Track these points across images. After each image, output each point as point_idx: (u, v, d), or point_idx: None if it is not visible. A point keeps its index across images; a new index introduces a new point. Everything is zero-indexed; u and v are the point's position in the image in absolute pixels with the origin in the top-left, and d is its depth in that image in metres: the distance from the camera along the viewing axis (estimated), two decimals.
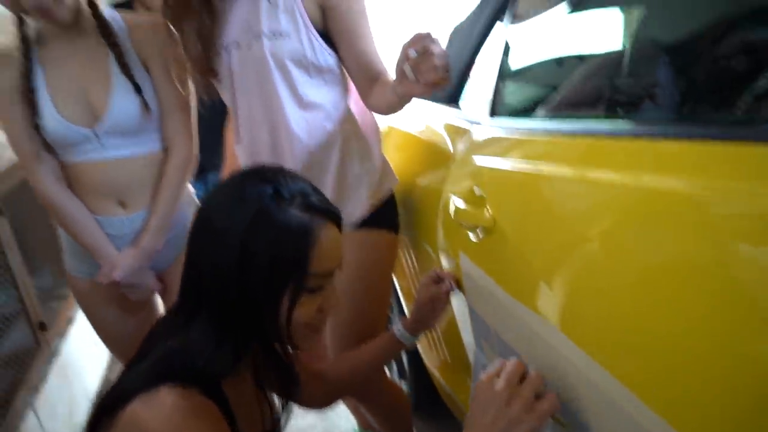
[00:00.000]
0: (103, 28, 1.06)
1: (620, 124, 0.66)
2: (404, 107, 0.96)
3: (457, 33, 1.35)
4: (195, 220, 0.69)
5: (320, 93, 1.03)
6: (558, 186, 0.67)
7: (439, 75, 0.76)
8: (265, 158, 1.07)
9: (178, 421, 0.59)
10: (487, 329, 0.84)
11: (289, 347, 0.75)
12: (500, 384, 0.62)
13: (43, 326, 1.75)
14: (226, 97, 1.09)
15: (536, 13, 1.01)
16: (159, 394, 0.60)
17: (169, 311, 0.76)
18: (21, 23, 1.04)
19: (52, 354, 1.77)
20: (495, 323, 0.80)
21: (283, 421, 0.85)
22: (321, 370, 0.95)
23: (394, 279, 1.48)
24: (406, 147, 1.36)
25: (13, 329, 1.62)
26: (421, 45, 0.75)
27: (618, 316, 0.52)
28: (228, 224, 0.64)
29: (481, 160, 0.90)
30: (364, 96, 1.05)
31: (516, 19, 1.03)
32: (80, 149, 1.09)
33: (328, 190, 1.07)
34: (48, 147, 1.08)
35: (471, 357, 0.99)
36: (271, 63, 0.98)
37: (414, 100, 0.94)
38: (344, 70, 1.06)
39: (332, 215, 0.70)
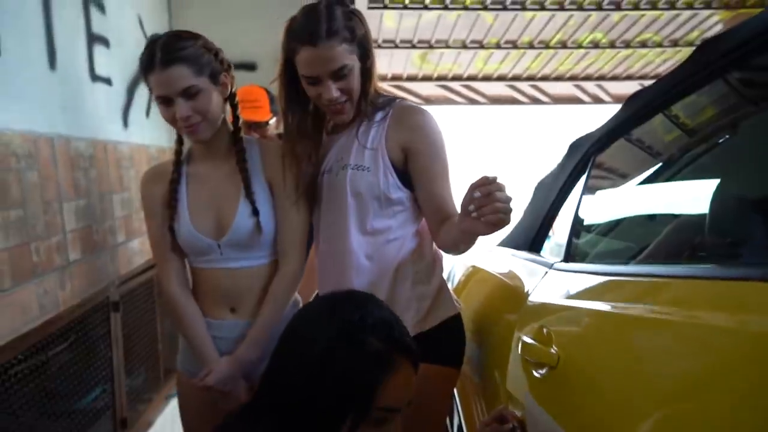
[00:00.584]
0: (239, 153, 1.24)
1: (680, 268, 0.67)
2: (470, 247, 1.03)
3: (541, 185, 1.44)
4: (286, 328, 0.75)
5: (385, 221, 1.15)
6: (622, 326, 0.67)
7: (499, 217, 0.83)
8: (334, 282, 1.17)
9: None
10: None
11: None
12: None
13: (124, 423, 1.84)
14: (314, 215, 1.24)
15: (608, 180, 1.08)
16: None
17: (243, 407, 0.80)
18: (180, 142, 1.28)
19: None
20: None
21: None
22: None
23: (462, 420, 1.42)
24: (485, 285, 1.39)
25: (98, 423, 1.72)
26: (486, 188, 0.83)
27: None
28: (311, 337, 0.70)
29: (551, 300, 0.92)
30: (434, 233, 1.15)
31: (591, 180, 1.11)
32: (204, 258, 1.25)
33: None
34: (179, 250, 1.26)
35: None
36: (348, 190, 1.13)
37: (499, 247, 1.01)
38: (414, 206, 1.18)
39: (411, 352, 0.72)
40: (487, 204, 0.83)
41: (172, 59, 1.11)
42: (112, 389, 1.79)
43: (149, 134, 2.26)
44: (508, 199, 0.84)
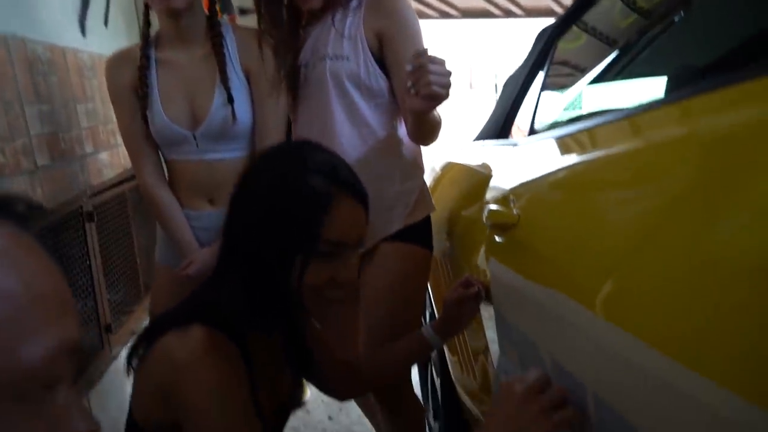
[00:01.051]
0: (215, 37, 1.19)
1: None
2: (432, 134, 1.05)
3: (510, 79, 1.46)
4: (236, 183, 0.76)
5: (370, 114, 1.14)
6: (575, 175, 0.72)
7: (433, 89, 0.83)
8: None
9: (201, 353, 0.65)
10: (513, 332, 0.86)
11: (309, 316, 0.79)
12: (520, 386, 0.62)
13: (109, 328, 1.90)
14: (291, 116, 1.23)
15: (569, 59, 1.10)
16: (190, 329, 0.67)
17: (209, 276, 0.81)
18: (147, 24, 1.22)
19: (113, 357, 1.89)
20: (520, 321, 0.82)
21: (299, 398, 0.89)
22: (351, 362, 0.99)
23: (434, 305, 1.51)
24: (457, 176, 1.44)
25: (85, 330, 1.77)
26: (418, 61, 0.84)
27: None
28: (256, 185, 0.73)
29: (514, 171, 0.96)
30: (407, 124, 1.15)
31: (551, 65, 1.13)
32: (179, 149, 1.23)
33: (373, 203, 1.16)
34: (152, 141, 1.24)
35: (495, 364, 0.99)
36: (330, 81, 1.11)
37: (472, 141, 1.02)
38: (393, 98, 1.16)
39: (354, 189, 0.75)
40: (420, 77, 0.83)
41: None
42: (93, 298, 1.83)
43: (108, 44, 2.16)
44: (445, 72, 0.84)
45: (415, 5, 4.11)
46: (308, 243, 0.70)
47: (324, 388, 0.98)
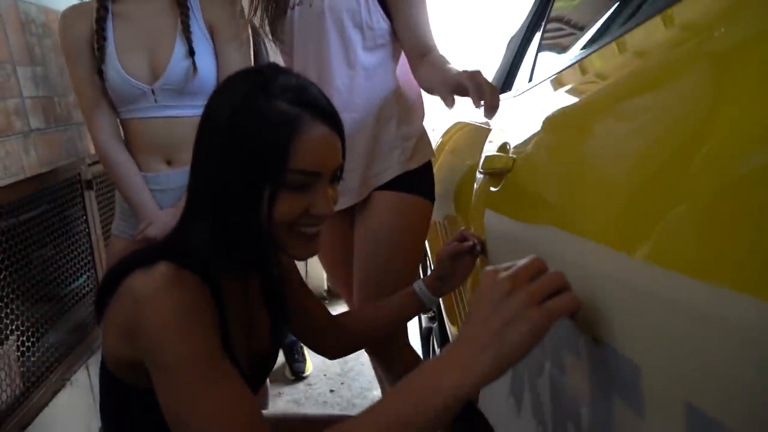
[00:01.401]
0: None
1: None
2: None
3: (512, 38, 1.40)
4: (201, 117, 0.69)
5: (368, 55, 1.09)
6: (568, 113, 0.67)
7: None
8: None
9: (162, 284, 0.59)
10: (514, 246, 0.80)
11: (282, 252, 0.72)
12: (504, 274, 0.50)
13: None
14: (284, 59, 1.18)
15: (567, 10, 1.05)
16: (155, 266, 0.62)
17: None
18: None
19: None
20: None
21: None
22: (341, 319, 0.96)
23: (429, 260, 1.48)
24: (462, 134, 1.40)
25: (85, 302, 1.76)
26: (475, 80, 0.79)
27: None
28: (217, 112, 0.65)
29: (512, 118, 0.91)
30: (414, 70, 1.09)
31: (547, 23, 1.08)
32: (136, 106, 1.17)
33: (362, 150, 1.11)
34: (109, 99, 1.18)
35: None
36: (328, 17, 1.05)
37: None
38: (395, 42, 1.11)
39: (327, 115, 0.67)
40: (484, 96, 0.78)
41: None
42: (94, 268, 1.82)
43: None
44: (495, 89, 0.79)
45: None
46: (276, 172, 0.63)
47: (312, 345, 0.95)
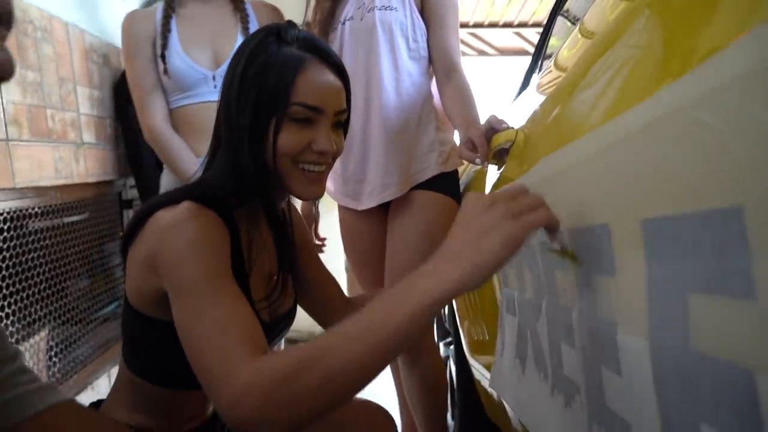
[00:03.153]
0: (237, 1, 1.34)
1: None
2: None
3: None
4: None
5: (411, 63, 1.20)
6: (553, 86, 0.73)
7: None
8: (358, 111, 1.21)
9: (184, 217, 0.65)
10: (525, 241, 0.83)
11: (286, 187, 0.76)
12: (488, 194, 0.53)
13: None
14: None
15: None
16: (179, 204, 0.68)
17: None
18: None
19: None
20: None
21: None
22: (356, 300, 0.97)
23: None
24: None
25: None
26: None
27: None
28: (237, 57, 0.74)
29: (524, 108, 0.98)
30: (439, 86, 1.21)
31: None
32: (195, 91, 1.30)
33: (405, 148, 1.20)
34: (162, 89, 1.30)
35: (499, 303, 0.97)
36: (380, 29, 1.17)
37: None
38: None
39: (330, 59, 0.74)
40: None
41: None
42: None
43: None
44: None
45: None
46: (280, 103, 0.70)
47: (323, 322, 0.96)
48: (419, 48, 1.21)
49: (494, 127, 0.94)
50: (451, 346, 1.74)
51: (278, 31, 0.73)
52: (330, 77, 0.74)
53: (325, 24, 1.23)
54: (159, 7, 1.34)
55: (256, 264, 0.78)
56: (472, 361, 1.26)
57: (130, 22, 1.35)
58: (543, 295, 0.66)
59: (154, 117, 1.30)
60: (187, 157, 1.28)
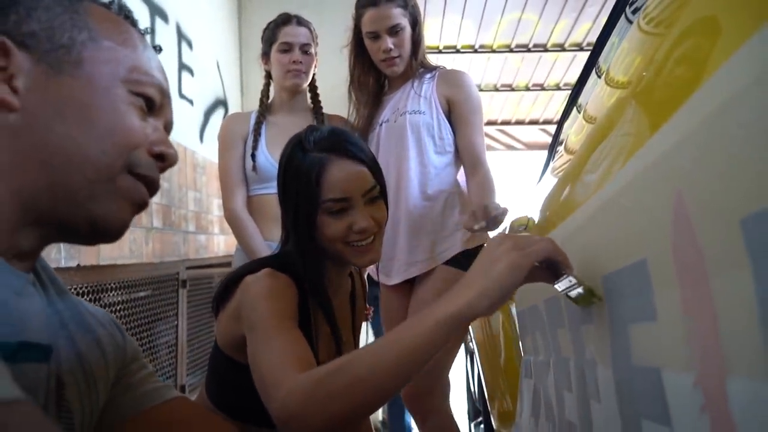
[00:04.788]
0: (317, 110, 1.61)
1: None
2: None
3: None
4: None
5: (437, 158, 1.41)
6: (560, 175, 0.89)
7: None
8: (391, 199, 1.35)
9: (263, 276, 0.82)
10: (535, 310, 0.89)
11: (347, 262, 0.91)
12: (503, 234, 0.66)
13: (183, 389, 2.07)
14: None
15: None
16: (261, 271, 0.85)
17: None
18: (267, 96, 1.62)
19: None
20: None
21: None
22: None
23: (475, 348, 1.58)
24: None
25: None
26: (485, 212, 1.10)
27: None
28: (278, 171, 0.92)
29: (532, 199, 1.14)
30: (466, 177, 1.40)
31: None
32: (272, 183, 1.48)
33: (430, 228, 1.37)
34: (245, 181, 1.55)
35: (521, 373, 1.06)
36: (409, 129, 1.40)
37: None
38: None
39: (346, 151, 0.87)
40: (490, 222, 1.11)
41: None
42: (175, 356, 2.04)
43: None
44: (502, 211, 1.09)
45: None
46: (313, 203, 0.85)
47: None
48: (445, 144, 1.41)
49: (487, 205, 1.08)
50: (482, 425, 1.78)
51: (300, 141, 0.89)
52: (349, 167, 0.87)
53: (365, 128, 1.47)
54: (254, 113, 1.62)
55: (323, 331, 0.92)
56: None
57: (229, 122, 1.63)
58: (551, 354, 0.77)
59: (235, 202, 1.53)
60: (258, 239, 1.50)
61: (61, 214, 0.47)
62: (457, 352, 1.50)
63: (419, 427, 1.40)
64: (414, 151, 1.40)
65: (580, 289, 0.56)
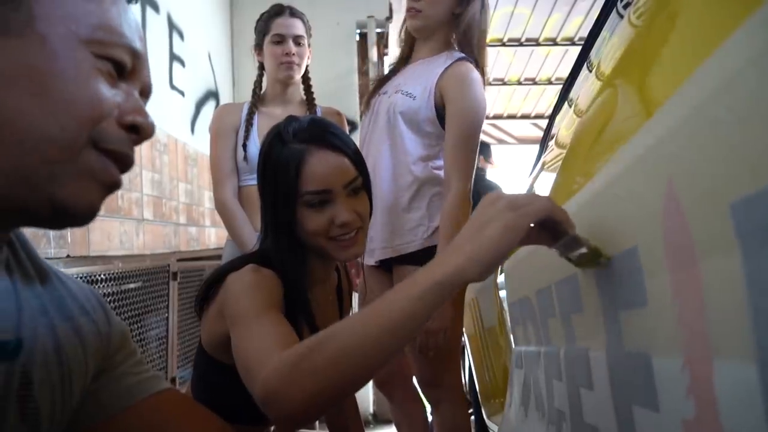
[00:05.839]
0: (310, 102, 1.60)
1: None
2: None
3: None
4: None
5: (414, 147, 1.34)
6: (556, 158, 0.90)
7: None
8: (377, 185, 1.32)
9: (246, 271, 0.80)
10: (526, 302, 0.89)
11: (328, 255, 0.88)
12: (495, 193, 0.55)
13: (174, 381, 2.06)
14: (362, 131, 1.49)
15: None
16: (245, 267, 0.82)
17: None
18: (260, 87, 1.61)
19: None
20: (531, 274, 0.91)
21: None
22: None
23: (466, 341, 1.59)
24: None
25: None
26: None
27: None
28: (257, 164, 0.89)
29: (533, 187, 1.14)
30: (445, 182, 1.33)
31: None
32: None
33: (395, 221, 1.35)
34: (235, 171, 1.53)
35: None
36: (393, 110, 1.34)
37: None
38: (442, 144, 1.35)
39: (325, 141, 0.83)
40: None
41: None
42: (165, 349, 2.04)
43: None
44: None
45: None
46: (292, 197, 0.82)
47: None
48: (427, 136, 1.32)
49: None
50: (472, 416, 1.80)
51: (279, 132, 0.86)
52: (329, 158, 0.84)
53: (375, 87, 1.46)
54: (246, 104, 1.61)
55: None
56: (489, 423, 1.34)
57: (221, 113, 1.62)
58: (541, 344, 0.78)
59: (226, 192, 1.53)
60: (248, 229, 1.50)
61: (18, 198, 0.41)
62: (461, 336, 1.49)
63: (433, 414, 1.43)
64: (387, 135, 1.35)
65: (582, 250, 0.50)
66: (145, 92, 0.51)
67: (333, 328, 0.57)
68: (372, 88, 1.48)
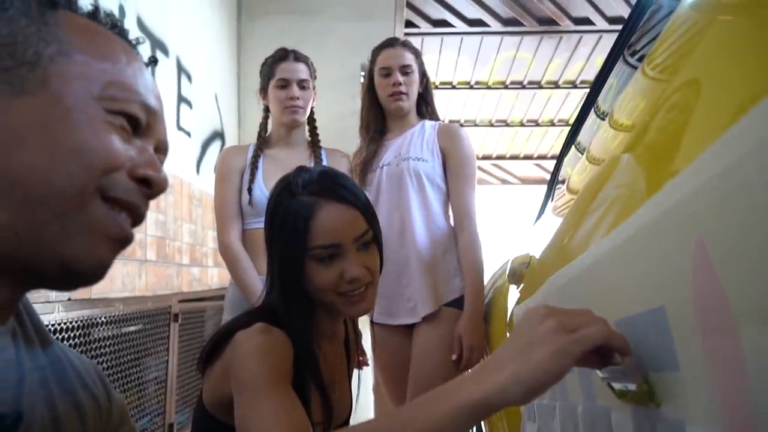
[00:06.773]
0: (315, 144, 1.62)
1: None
2: None
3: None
4: None
5: (436, 203, 1.45)
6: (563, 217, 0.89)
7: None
8: (393, 243, 1.41)
9: (255, 331, 0.76)
10: None
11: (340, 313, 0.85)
12: (544, 307, 0.50)
13: (171, 427, 2.00)
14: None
15: None
16: (253, 325, 0.78)
17: None
18: (265, 130, 1.62)
19: None
20: None
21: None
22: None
23: None
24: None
25: (151, 422, 1.90)
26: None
27: None
28: (265, 214, 0.86)
29: (533, 238, 1.13)
30: (456, 231, 1.45)
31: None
32: None
33: (431, 274, 1.39)
34: (240, 214, 1.52)
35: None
36: (412, 175, 1.44)
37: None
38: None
39: (336, 194, 0.81)
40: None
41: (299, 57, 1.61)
42: (164, 392, 1.98)
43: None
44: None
45: (478, 174, 4.61)
46: (300, 251, 0.79)
47: None
48: (442, 191, 1.47)
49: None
50: None
51: (288, 184, 0.84)
52: (339, 211, 0.81)
53: (366, 163, 1.47)
54: (251, 146, 1.62)
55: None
56: None
57: (226, 154, 1.62)
58: (556, 397, 0.75)
59: (230, 235, 1.51)
60: (252, 273, 1.47)
61: (28, 258, 0.40)
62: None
63: None
64: (418, 196, 1.44)
65: (631, 386, 0.45)
66: (161, 149, 0.51)
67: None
68: (361, 167, 1.53)
